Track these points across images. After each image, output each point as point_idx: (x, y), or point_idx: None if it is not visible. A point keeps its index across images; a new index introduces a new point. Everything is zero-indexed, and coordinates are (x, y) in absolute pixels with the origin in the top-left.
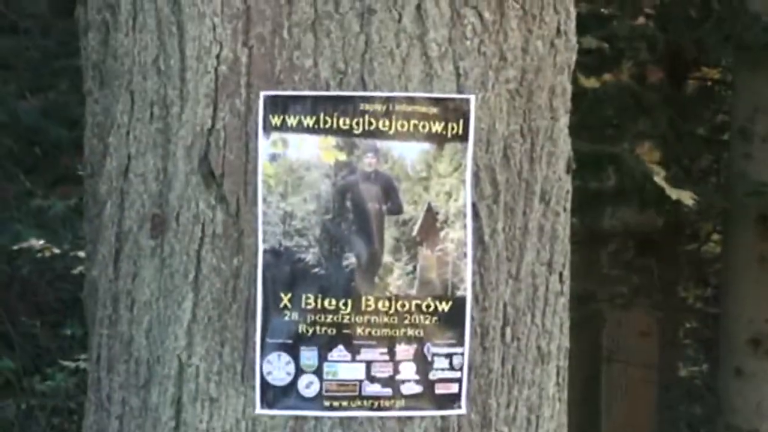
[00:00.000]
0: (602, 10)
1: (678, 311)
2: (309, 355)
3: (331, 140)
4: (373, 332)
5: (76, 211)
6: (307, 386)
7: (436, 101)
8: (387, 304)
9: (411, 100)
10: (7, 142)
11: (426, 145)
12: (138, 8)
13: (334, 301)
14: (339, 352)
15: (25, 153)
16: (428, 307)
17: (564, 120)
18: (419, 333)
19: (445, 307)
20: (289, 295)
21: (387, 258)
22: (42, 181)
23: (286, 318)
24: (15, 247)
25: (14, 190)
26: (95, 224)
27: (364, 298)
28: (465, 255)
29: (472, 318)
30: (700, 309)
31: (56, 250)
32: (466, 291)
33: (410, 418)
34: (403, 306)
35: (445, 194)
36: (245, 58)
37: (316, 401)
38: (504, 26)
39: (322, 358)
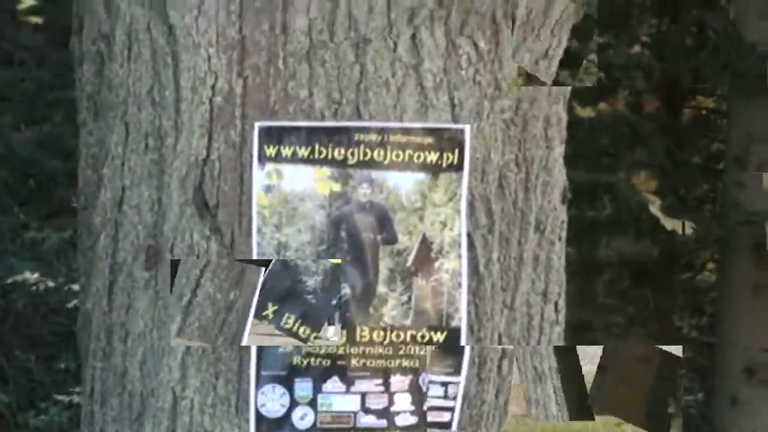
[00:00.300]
0: (598, 38)
1: (673, 340)
2: (303, 387)
3: (326, 171)
4: (367, 363)
5: (71, 243)
6: (302, 418)
7: (431, 131)
8: (382, 334)
9: (406, 131)
10: (1, 173)
11: (421, 175)
12: (133, 39)
13: None
14: (333, 384)
15: (20, 185)
16: (423, 337)
17: (559, 150)
18: (414, 363)
19: (440, 337)
20: None
21: (382, 288)
22: (36, 213)
23: (280, 349)
24: (9, 281)
25: (8, 223)
26: (89, 256)
27: (358, 329)
28: (460, 285)
29: (472, 348)
30: (695, 338)
31: (51, 284)
32: (461, 321)
33: None
34: (398, 336)
35: (440, 224)
36: (240, 89)
37: None
38: (499, 55)
39: (317, 389)
